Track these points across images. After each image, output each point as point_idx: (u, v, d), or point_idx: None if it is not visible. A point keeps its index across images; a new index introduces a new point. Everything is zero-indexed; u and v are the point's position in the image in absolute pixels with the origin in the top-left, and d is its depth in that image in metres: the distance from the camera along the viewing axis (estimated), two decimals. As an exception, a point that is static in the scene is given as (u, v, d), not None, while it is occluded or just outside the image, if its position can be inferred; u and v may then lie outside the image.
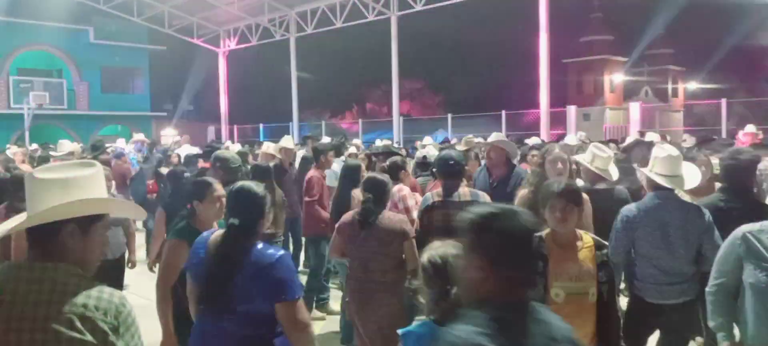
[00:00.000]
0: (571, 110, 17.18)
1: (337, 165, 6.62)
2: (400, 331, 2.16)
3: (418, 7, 17.65)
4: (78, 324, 1.53)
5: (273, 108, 28.01)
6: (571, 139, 9.90)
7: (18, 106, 21.08)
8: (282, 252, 2.53)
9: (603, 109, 39.95)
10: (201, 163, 7.54)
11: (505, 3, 17.86)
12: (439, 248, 2.26)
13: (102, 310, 1.58)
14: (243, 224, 2.50)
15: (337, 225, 3.87)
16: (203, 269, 2.53)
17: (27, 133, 19.12)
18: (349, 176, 5.17)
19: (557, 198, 2.81)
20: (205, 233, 2.72)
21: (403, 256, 3.62)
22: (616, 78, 46.74)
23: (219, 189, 3.36)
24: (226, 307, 2.43)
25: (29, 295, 1.56)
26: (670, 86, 49.75)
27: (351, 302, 3.72)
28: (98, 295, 1.60)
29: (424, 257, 2.27)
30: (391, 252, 3.60)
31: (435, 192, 4.06)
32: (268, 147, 7.77)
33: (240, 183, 2.72)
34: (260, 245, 2.51)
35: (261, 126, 25.77)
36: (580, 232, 2.89)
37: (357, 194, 4.46)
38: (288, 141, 7.51)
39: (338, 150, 7.69)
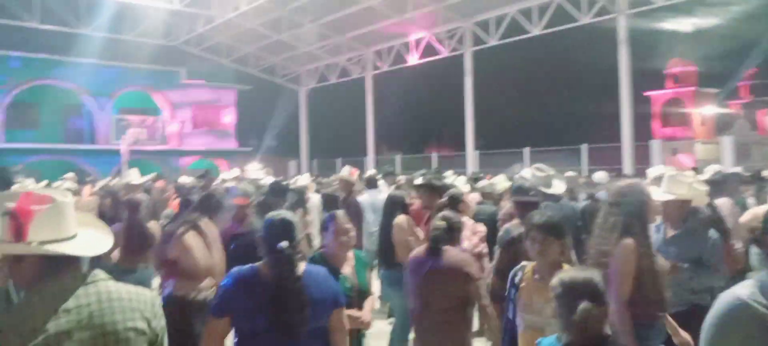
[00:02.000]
0: (656, 144, 16.44)
1: (367, 195, 7.22)
2: (537, 341, 2.43)
3: (492, 42, 17.66)
4: (129, 313, 1.81)
5: (350, 143, 28.66)
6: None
7: (117, 142, 22.81)
8: (321, 266, 2.84)
9: (692, 142, 37.87)
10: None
11: (583, 33, 17.50)
12: (570, 272, 2.42)
13: (142, 301, 1.87)
14: (291, 247, 2.62)
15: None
16: (262, 301, 2.53)
17: (124, 168, 20.57)
18: (392, 206, 5.30)
19: (537, 230, 2.86)
20: (237, 271, 2.66)
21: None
22: (706, 110, 44.27)
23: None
24: (303, 327, 2.53)
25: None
26: (768, 119, 46.51)
27: (416, 338, 3.72)
28: (135, 290, 1.89)
29: (555, 280, 2.36)
30: (452, 291, 3.51)
31: (514, 223, 4.06)
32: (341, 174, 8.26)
33: (278, 212, 2.87)
34: (309, 266, 2.75)
35: (338, 160, 26.40)
36: (566, 266, 2.84)
37: (400, 221, 4.57)
38: (346, 171, 7.99)
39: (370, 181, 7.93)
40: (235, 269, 2.68)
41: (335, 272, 3.15)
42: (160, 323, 1.92)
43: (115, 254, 5.31)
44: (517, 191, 4.23)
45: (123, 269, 5.13)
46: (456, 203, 4.91)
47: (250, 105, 32.46)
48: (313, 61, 24.48)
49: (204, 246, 4.26)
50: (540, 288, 2.77)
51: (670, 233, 3.81)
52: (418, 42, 19.93)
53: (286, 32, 20.63)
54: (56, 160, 23.82)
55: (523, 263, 3.05)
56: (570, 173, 8.74)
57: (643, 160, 16.55)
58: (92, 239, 1.86)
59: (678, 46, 45.79)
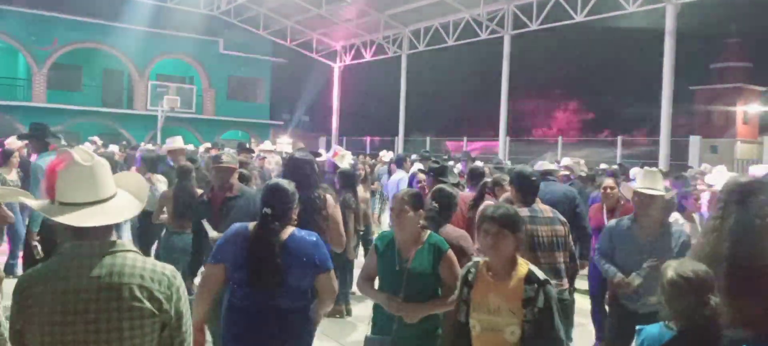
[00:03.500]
0: (696, 141, 15.98)
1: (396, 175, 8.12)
2: (638, 327, 2.50)
3: (534, 26, 17.30)
4: (137, 293, 1.74)
5: (381, 122, 28.66)
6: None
7: (154, 108, 23.22)
8: (316, 235, 2.99)
9: (733, 141, 36.69)
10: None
11: (628, 21, 17.02)
12: (685, 265, 2.43)
13: (157, 281, 1.79)
14: (275, 212, 2.89)
15: None
16: (244, 255, 2.84)
17: (159, 133, 20.96)
18: None
19: (490, 222, 2.56)
20: (236, 226, 2.97)
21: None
22: (751, 109, 42.77)
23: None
24: (278, 284, 2.80)
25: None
26: (816, 121, 44.68)
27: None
28: (152, 268, 1.81)
29: (671, 273, 2.40)
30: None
31: (517, 206, 4.02)
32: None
33: (274, 180, 3.22)
34: (297, 231, 2.95)
35: (368, 139, 26.42)
36: (521, 262, 2.61)
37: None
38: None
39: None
40: (234, 225, 3.00)
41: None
42: (179, 305, 1.83)
43: (165, 217, 5.45)
44: (518, 176, 4.13)
45: (172, 231, 5.26)
46: (480, 179, 4.93)
47: (285, 79, 32.71)
48: (349, 37, 24.41)
49: None
50: (496, 286, 2.57)
51: None
52: (456, 23, 19.66)
53: (325, 6, 20.58)
54: (95, 123, 24.43)
55: (476, 259, 2.77)
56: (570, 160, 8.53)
57: (680, 156, 16.13)
58: (119, 205, 1.82)
59: (727, 41, 44.24)
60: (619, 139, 17.35)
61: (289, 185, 3.09)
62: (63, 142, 5.87)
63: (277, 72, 31.13)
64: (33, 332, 1.69)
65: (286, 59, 29.19)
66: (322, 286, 2.92)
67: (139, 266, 1.77)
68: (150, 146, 13.99)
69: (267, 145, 14.43)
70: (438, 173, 5.73)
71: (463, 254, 3.28)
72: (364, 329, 3.48)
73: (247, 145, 12.37)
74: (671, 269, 2.43)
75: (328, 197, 4.10)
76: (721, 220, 2.82)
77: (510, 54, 18.44)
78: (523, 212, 3.82)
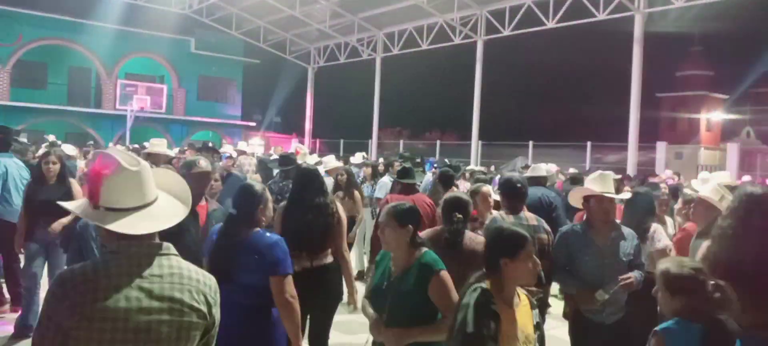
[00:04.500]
0: (662, 147, 16.40)
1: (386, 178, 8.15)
2: (661, 328, 2.45)
3: (506, 33, 17.53)
4: (195, 295, 1.79)
5: (354, 124, 28.63)
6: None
7: (123, 107, 22.75)
8: (278, 237, 3.07)
9: (697, 147, 37.74)
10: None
11: (598, 30, 17.36)
12: (684, 262, 2.55)
13: (208, 285, 1.84)
14: (240, 213, 3.09)
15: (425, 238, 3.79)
16: (213, 249, 3.10)
17: (128, 133, 20.59)
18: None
19: (531, 246, 2.45)
20: (217, 225, 3.27)
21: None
22: (714, 116, 44.07)
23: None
24: (231, 279, 2.91)
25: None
26: (775, 128, 46.22)
27: None
28: (202, 273, 1.86)
29: (666, 266, 2.52)
30: (471, 273, 3.45)
31: (501, 213, 4.09)
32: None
33: (244, 183, 3.38)
34: (261, 231, 3.06)
35: (341, 141, 26.37)
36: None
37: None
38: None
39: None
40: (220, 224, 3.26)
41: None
42: (218, 312, 1.87)
43: None
44: (506, 183, 4.21)
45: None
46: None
47: (257, 80, 32.37)
48: (323, 39, 24.34)
49: None
50: (514, 314, 2.46)
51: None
52: (430, 27, 19.79)
53: (298, 7, 20.48)
54: (60, 122, 23.81)
55: (480, 286, 2.50)
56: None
57: (647, 162, 16.53)
58: (166, 208, 1.82)
59: (691, 49, 45.52)
60: (589, 144, 17.68)
61: (258, 187, 3.23)
62: (24, 139, 5.72)
63: (250, 73, 30.82)
64: (86, 337, 1.65)
65: (258, 60, 28.94)
66: (274, 289, 2.95)
67: (193, 270, 1.82)
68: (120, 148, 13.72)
69: (242, 146, 14.32)
70: (401, 175, 5.89)
71: None
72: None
73: (211, 145, 12.21)
74: (677, 265, 2.53)
75: (338, 203, 4.38)
76: (739, 227, 2.67)
77: (483, 59, 18.65)
78: (509, 219, 3.94)
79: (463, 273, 3.35)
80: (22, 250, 5.36)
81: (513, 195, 4.09)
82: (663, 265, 2.58)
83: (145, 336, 1.68)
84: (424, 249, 2.90)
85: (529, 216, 4.06)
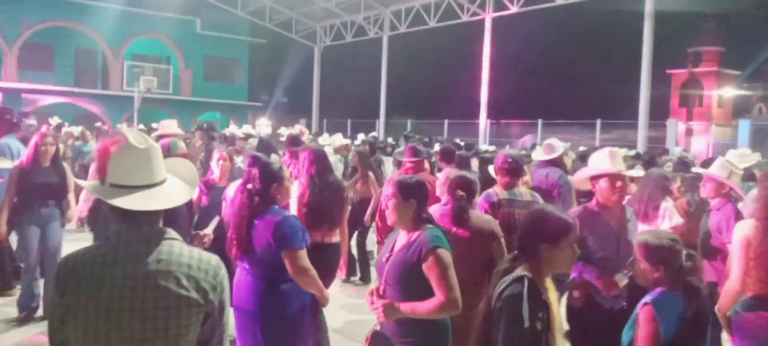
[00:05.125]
0: (672, 124, 16.19)
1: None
2: (649, 299, 2.50)
3: (514, 9, 17.29)
4: (184, 282, 1.72)
5: (362, 104, 28.48)
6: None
7: (130, 88, 22.74)
8: (289, 214, 3.24)
9: (708, 124, 37.28)
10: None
11: (608, 5, 17.10)
12: (658, 233, 2.69)
13: (203, 270, 1.77)
14: (256, 188, 3.17)
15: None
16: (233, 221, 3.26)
17: (135, 115, 20.57)
18: None
19: (575, 232, 2.33)
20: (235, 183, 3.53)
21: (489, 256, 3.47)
22: (725, 92, 43.47)
23: None
24: (247, 250, 3.12)
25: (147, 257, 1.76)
26: (788, 104, 45.55)
27: None
28: (199, 257, 1.79)
29: (659, 240, 2.59)
30: (477, 252, 3.44)
31: (496, 188, 4.20)
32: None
33: (263, 160, 3.44)
34: (277, 207, 3.18)
35: (349, 121, 26.27)
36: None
37: None
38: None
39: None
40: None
41: None
42: (222, 295, 1.81)
43: None
44: (498, 159, 4.33)
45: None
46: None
47: (263, 60, 32.23)
48: (329, 18, 24.13)
49: None
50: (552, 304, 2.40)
51: None
52: (438, 4, 19.54)
53: (303, -14, 20.30)
54: (68, 104, 23.86)
55: (522, 273, 2.38)
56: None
57: (657, 139, 16.34)
58: (174, 190, 1.81)
59: (702, 24, 44.78)
60: (598, 121, 17.49)
61: (275, 165, 3.32)
62: (33, 122, 5.73)
63: (256, 53, 30.68)
64: (75, 318, 1.66)
65: (264, 40, 28.77)
66: (289, 265, 3.07)
67: (186, 254, 1.76)
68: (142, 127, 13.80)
69: (247, 129, 14.32)
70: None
71: (493, 237, 3.44)
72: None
73: (204, 126, 12.30)
74: (655, 237, 2.64)
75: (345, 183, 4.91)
76: None
77: (491, 36, 18.42)
78: (503, 194, 4.12)
79: (468, 252, 3.40)
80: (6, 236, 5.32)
81: (506, 171, 4.22)
82: (641, 237, 2.67)
83: (140, 324, 1.67)
84: (429, 226, 2.82)
85: (523, 192, 4.20)
